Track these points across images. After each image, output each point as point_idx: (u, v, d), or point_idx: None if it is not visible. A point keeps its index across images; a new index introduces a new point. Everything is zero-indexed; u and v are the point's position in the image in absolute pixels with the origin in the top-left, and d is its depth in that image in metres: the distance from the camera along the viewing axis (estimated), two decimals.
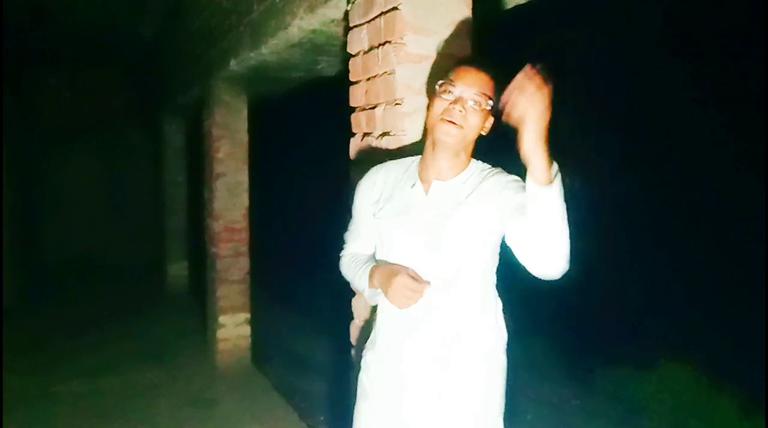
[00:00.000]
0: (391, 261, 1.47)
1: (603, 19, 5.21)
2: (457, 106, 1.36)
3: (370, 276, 1.49)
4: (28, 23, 6.05)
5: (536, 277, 1.35)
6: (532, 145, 1.21)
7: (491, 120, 1.44)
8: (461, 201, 1.41)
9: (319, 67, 3.57)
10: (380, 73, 1.90)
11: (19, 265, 6.48)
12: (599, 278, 5.38)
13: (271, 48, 3.09)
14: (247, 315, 4.36)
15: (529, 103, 1.19)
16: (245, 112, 4.34)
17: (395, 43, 1.80)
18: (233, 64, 3.63)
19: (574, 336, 4.75)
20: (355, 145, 2.11)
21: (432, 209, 1.42)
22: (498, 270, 1.50)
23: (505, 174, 1.46)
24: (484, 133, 1.45)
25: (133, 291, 6.70)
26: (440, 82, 1.40)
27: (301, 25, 2.60)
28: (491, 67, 1.42)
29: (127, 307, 6.01)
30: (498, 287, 1.53)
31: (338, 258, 1.68)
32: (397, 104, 1.81)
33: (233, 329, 4.31)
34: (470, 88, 1.37)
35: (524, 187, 1.30)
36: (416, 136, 1.80)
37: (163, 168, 6.79)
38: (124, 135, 8.22)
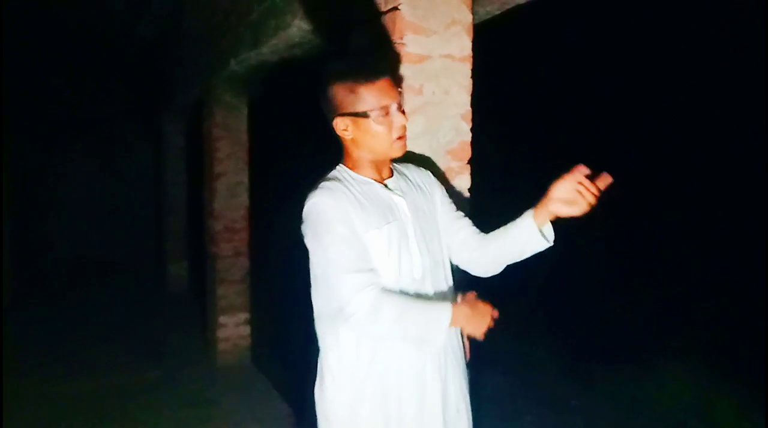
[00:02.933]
0: (394, 272, 1.34)
1: (603, 19, 5.21)
2: (399, 119, 1.36)
3: (455, 316, 1.29)
4: (29, 23, 6.05)
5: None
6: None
7: None
8: (417, 194, 1.45)
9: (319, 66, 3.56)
10: None
11: (19, 265, 6.48)
12: (599, 278, 5.38)
13: (271, 48, 3.09)
14: (247, 315, 4.36)
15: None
16: (245, 112, 4.34)
17: (395, 43, 1.80)
18: (233, 64, 3.62)
19: (574, 336, 4.75)
20: None
21: (408, 207, 1.41)
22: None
23: (417, 167, 1.57)
24: None
25: (133, 291, 6.70)
26: (374, 109, 1.32)
27: (301, 25, 2.60)
28: (374, 63, 1.43)
29: (127, 307, 6.01)
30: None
31: (354, 299, 1.25)
32: None
33: (233, 329, 4.31)
34: (395, 95, 1.36)
35: (438, 182, 1.55)
36: (416, 136, 1.80)
37: (163, 168, 6.79)
38: (124, 135, 8.22)
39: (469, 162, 1.89)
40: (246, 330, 4.35)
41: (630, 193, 5.47)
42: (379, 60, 1.60)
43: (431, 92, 1.81)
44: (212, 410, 3.54)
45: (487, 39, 2.28)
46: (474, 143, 1.89)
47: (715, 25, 4.72)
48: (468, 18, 1.89)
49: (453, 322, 1.28)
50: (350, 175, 1.41)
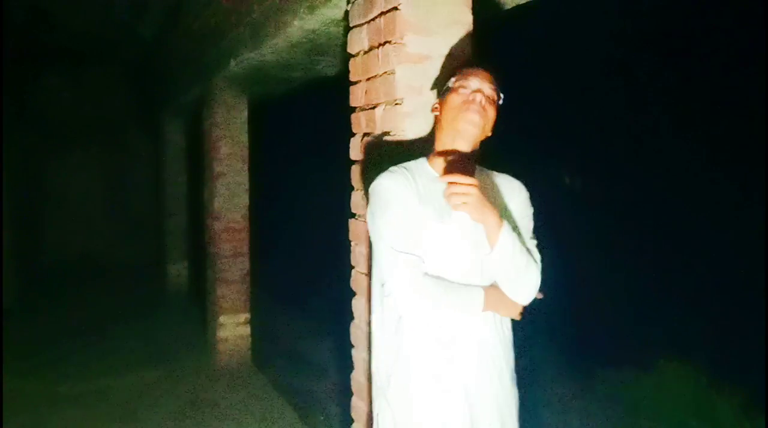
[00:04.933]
0: (436, 266, 1.37)
1: (603, 19, 5.21)
2: (478, 95, 1.38)
3: (487, 299, 1.38)
4: (29, 23, 6.05)
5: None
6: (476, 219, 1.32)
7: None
8: (494, 201, 1.42)
9: (319, 67, 3.57)
10: (380, 73, 1.90)
11: (19, 265, 6.48)
12: (599, 278, 5.39)
13: (271, 48, 3.09)
14: (247, 315, 4.36)
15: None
16: (245, 112, 4.34)
17: (395, 43, 1.80)
18: (233, 64, 3.63)
19: (573, 337, 4.75)
20: (355, 145, 2.11)
21: None
22: None
23: (510, 178, 1.55)
24: (490, 134, 1.47)
25: (133, 291, 6.71)
26: (453, 78, 1.43)
27: (301, 25, 2.61)
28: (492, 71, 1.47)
29: (127, 307, 6.01)
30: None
31: (395, 276, 1.34)
32: (397, 104, 1.81)
33: (233, 329, 4.31)
34: (485, 82, 1.41)
35: (526, 201, 1.50)
36: (416, 136, 1.80)
37: (163, 168, 6.79)
38: (124, 135, 8.23)
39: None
40: (246, 330, 4.35)
41: (630, 192, 5.47)
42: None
43: (431, 92, 1.81)
44: (212, 410, 3.54)
45: (487, 39, 2.28)
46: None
47: (716, 24, 4.73)
48: (468, 18, 1.89)
49: (486, 305, 1.37)
50: (424, 169, 1.46)
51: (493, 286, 1.40)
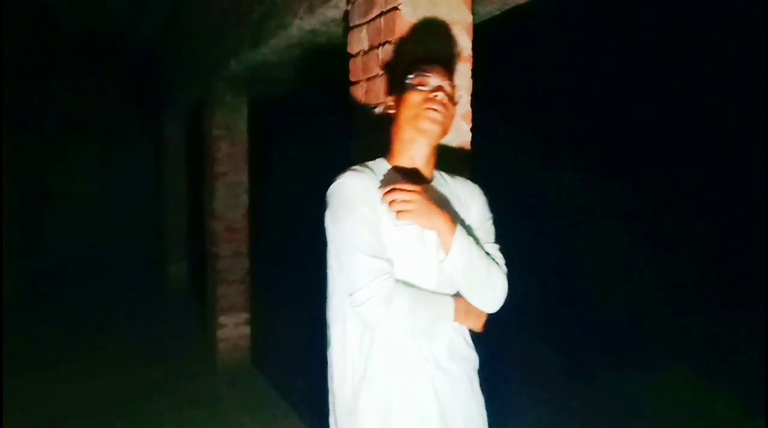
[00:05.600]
0: (404, 276, 1.30)
1: (603, 19, 5.21)
2: (440, 93, 1.33)
3: (457, 309, 1.32)
4: (29, 23, 6.05)
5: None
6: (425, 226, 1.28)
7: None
8: (450, 206, 1.39)
9: (319, 67, 3.56)
10: (380, 73, 1.90)
11: (19, 265, 6.48)
12: (599, 278, 5.39)
13: (271, 48, 3.09)
14: (247, 315, 4.36)
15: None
16: (245, 112, 4.34)
17: (395, 43, 1.80)
18: (233, 64, 3.63)
19: (574, 337, 4.75)
20: (355, 145, 2.11)
21: None
22: None
23: (469, 182, 1.49)
24: (448, 132, 1.43)
25: (133, 291, 6.71)
26: (412, 74, 1.36)
27: (301, 25, 2.60)
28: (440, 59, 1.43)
29: (127, 307, 6.01)
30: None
31: (368, 285, 1.22)
32: None
33: (233, 329, 4.31)
34: (445, 79, 1.36)
35: (484, 206, 1.45)
36: None
37: (163, 168, 6.79)
38: (124, 135, 8.22)
39: (470, 162, 1.88)
40: (246, 330, 4.35)
41: (630, 192, 5.47)
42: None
43: None
44: (212, 410, 3.54)
45: (487, 39, 2.28)
46: (474, 143, 1.89)
47: (716, 23, 4.73)
48: (468, 18, 1.89)
49: (456, 315, 1.31)
50: (386, 168, 1.39)
51: (460, 296, 1.34)
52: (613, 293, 5.19)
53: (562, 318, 5.06)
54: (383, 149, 1.46)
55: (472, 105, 1.89)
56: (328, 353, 1.43)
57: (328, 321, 1.43)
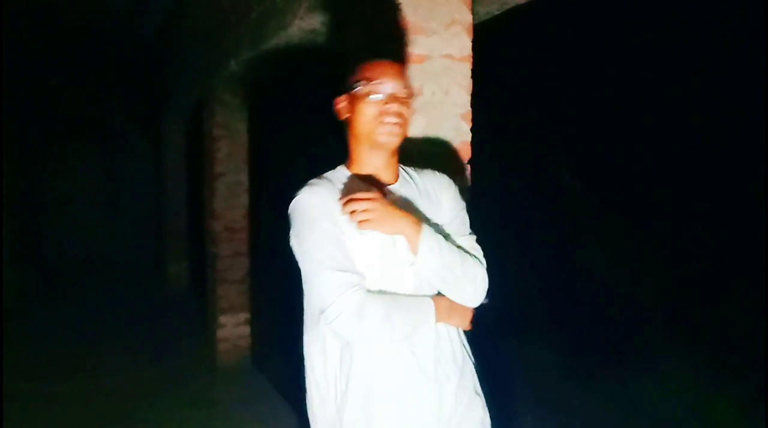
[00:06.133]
0: (379, 284, 1.27)
1: (603, 18, 5.21)
2: (394, 105, 1.26)
3: (438, 309, 1.28)
4: (29, 23, 6.05)
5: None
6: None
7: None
8: (421, 202, 1.35)
9: (318, 66, 3.56)
10: None
11: (19, 265, 6.48)
12: (599, 278, 5.38)
13: (271, 48, 3.09)
14: (247, 315, 4.36)
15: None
16: (245, 112, 4.34)
17: (395, 43, 1.80)
18: (233, 64, 3.63)
19: (573, 336, 4.75)
20: None
21: None
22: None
23: (437, 173, 1.44)
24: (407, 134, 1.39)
25: (133, 291, 6.71)
26: (358, 84, 1.28)
27: (301, 25, 2.60)
28: (391, 54, 1.38)
29: (127, 307, 6.01)
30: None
31: (337, 301, 1.19)
32: None
33: (233, 329, 4.31)
34: (395, 81, 1.28)
35: (455, 196, 1.40)
36: (416, 136, 1.80)
37: (163, 168, 6.79)
38: (124, 135, 8.22)
39: (469, 162, 1.88)
40: (246, 330, 4.35)
41: (629, 193, 5.47)
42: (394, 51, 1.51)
43: (431, 92, 1.81)
44: (212, 410, 3.54)
45: (487, 39, 2.28)
46: (474, 143, 1.89)
47: (716, 23, 4.73)
48: (468, 18, 1.89)
49: (438, 315, 1.27)
50: (345, 176, 1.35)
51: (442, 295, 1.30)
52: (613, 293, 5.19)
53: (562, 318, 5.06)
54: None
55: (472, 105, 1.89)
56: (305, 377, 1.37)
57: (305, 343, 1.37)
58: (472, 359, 1.41)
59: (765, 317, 4.07)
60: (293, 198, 1.31)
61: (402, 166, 1.42)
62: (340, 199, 1.24)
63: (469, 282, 1.28)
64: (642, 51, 5.25)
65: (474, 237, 1.38)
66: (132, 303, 6.17)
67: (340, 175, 1.36)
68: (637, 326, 4.81)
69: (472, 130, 1.89)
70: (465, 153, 1.87)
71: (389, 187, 1.34)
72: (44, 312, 5.88)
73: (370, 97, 1.27)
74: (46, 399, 3.67)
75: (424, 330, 1.26)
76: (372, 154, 1.33)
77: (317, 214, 1.25)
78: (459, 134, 1.86)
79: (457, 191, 1.43)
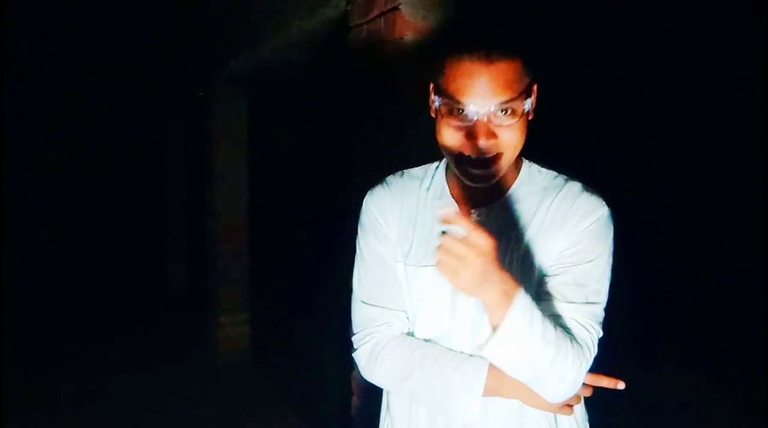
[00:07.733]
0: (422, 326, 1.01)
1: (603, 18, 5.21)
2: (480, 139, 0.87)
3: (495, 378, 0.92)
4: (28, 23, 6.05)
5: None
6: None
7: (533, 100, 0.93)
8: (519, 233, 0.97)
9: (319, 67, 3.57)
10: None
11: (19, 265, 6.48)
12: None
13: (271, 48, 3.09)
14: (247, 315, 4.36)
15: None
16: (245, 112, 4.34)
17: (395, 43, 1.80)
18: (233, 64, 3.63)
19: None
20: (356, 145, 2.11)
21: None
22: None
23: (586, 194, 0.98)
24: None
25: (133, 291, 6.70)
26: (441, 91, 0.91)
27: (301, 25, 2.60)
28: (507, 37, 0.88)
29: (127, 307, 6.01)
30: None
31: (357, 341, 1.02)
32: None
33: (233, 329, 4.31)
34: (489, 99, 0.85)
35: (594, 231, 0.95)
36: (415, 137, 1.80)
37: (163, 168, 6.79)
38: (124, 135, 8.22)
39: None
40: (246, 330, 4.35)
41: (630, 196, 5.47)
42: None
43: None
44: (212, 410, 3.54)
45: None
46: None
47: (716, 24, 4.73)
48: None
49: (487, 389, 0.91)
50: (440, 176, 1.06)
51: None
52: (613, 293, 5.19)
53: None
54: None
55: None
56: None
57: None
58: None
59: (765, 318, 4.07)
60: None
61: (531, 162, 1.06)
62: (442, 221, 0.83)
63: (555, 381, 0.88)
64: (644, 50, 5.25)
65: (596, 306, 0.96)
66: (131, 303, 6.18)
67: (436, 172, 1.07)
68: (637, 326, 4.81)
69: None
70: None
71: (479, 209, 1.00)
72: (44, 312, 5.88)
73: (453, 115, 0.89)
74: (45, 400, 3.67)
75: (463, 400, 0.91)
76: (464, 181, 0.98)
77: (369, 226, 1.05)
78: None
79: (604, 224, 0.96)
